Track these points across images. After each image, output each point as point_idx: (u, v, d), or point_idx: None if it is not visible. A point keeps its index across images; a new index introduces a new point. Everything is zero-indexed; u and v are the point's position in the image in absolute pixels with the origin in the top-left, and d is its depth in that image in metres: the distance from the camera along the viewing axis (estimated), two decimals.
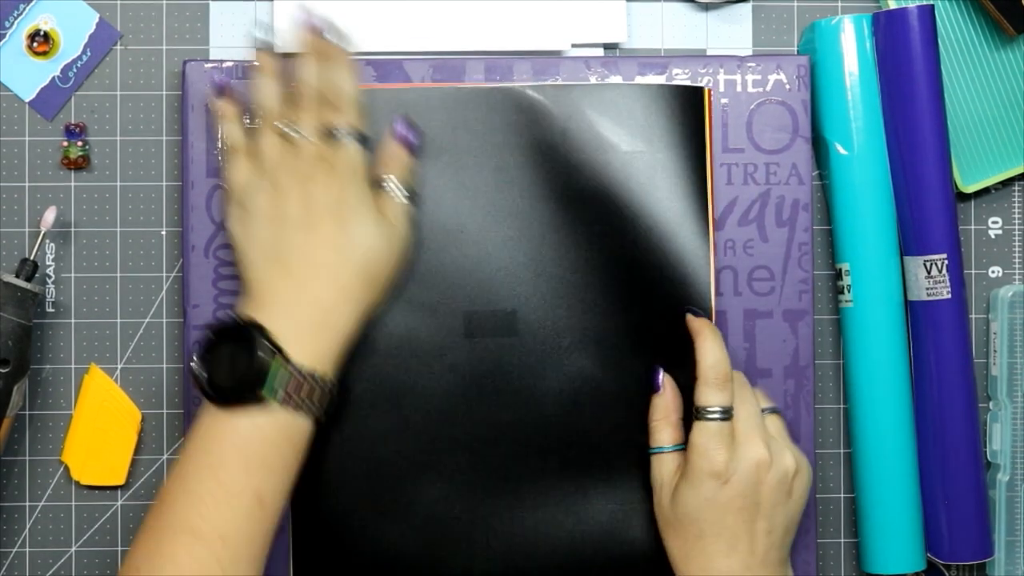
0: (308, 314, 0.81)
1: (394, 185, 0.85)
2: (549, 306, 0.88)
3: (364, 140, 0.85)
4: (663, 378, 0.87)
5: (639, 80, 0.90)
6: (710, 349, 0.84)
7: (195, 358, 0.80)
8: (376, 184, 0.85)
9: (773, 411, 0.86)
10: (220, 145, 0.89)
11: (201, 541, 0.77)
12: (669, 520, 0.84)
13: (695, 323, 0.86)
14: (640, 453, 0.88)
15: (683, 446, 0.85)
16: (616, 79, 0.90)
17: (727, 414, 0.83)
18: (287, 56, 0.87)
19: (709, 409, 0.83)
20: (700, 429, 0.83)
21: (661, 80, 0.90)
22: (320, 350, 0.81)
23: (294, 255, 0.82)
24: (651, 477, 0.86)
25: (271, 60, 0.87)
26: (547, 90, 0.89)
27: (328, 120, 0.84)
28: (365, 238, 0.82)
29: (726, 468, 0.82)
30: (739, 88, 0.91)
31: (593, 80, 0.90)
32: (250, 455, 0.79)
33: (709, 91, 0.90)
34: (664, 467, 0.85)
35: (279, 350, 0.79)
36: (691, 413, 0.85)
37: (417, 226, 0.87)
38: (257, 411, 0.79)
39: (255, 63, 0.87)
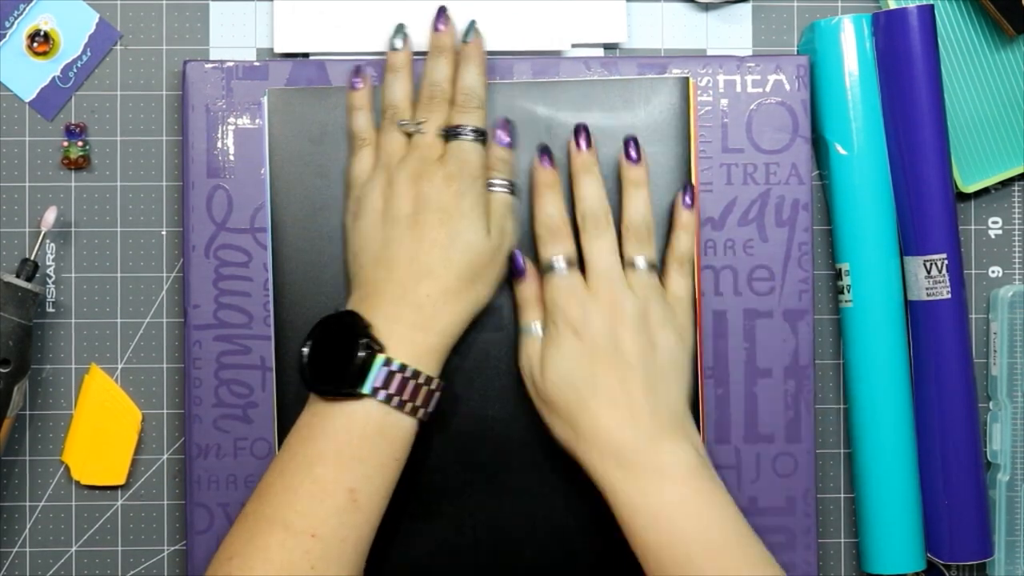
0: (411, 314, 0.81)
1: (499, 182, 0.85)
2: None
3: (484, 140, 0.85)
4: (524, 262, 0.86)
5: None
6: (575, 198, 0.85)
7: (301, 349, 0.81)
8: (488, 185, 0.85)
9: (652, 267, 0.85)
10: (347, 136, 0.88)
11: (294, 536, 0.77)
12: (547, 397, 0.83)
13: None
14: None
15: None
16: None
17: (572, 265, 0.83)
18: (420, 55, 0.88)
19: (554, 259, 0.83)
20: (549, 285, 0.83)
21: None
22: (422, 348, 0.81)
23: (400, 255, 0.82)
24: (519, 361, 0.85)
25: (403, 59, 0.87)
26: (532, 87, 0.89)
27: (453, 120, 0.85)
28: (471, 238, 0.83)
29: (583, 320, 0.82)
30: (739, 88, 0.91)
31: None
32: (344, 450, 0.79)
33: (693, 82, 0.90)
34: (534, 346, 0.85)
35: (381, 347, 0.80)
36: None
37: (522, 222, 0.87)
38: (354, 406, 0.79)
39: (388, 61, 0.88)
